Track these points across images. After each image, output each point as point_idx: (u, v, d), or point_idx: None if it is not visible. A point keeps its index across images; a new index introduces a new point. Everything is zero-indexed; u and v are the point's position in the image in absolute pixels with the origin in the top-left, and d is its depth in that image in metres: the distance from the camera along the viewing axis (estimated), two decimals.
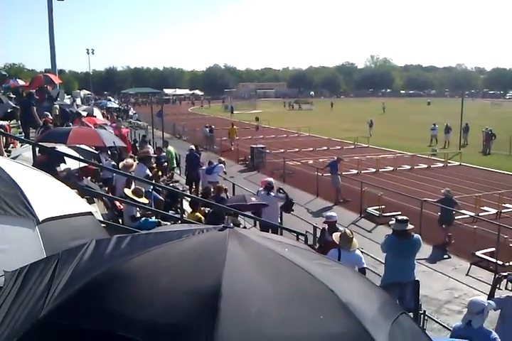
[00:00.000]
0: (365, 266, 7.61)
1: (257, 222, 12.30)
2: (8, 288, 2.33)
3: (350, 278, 2.36)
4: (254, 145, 26.58)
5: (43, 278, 2.17)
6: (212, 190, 12.58)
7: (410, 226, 7.90)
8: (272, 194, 12.00)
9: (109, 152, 13.26)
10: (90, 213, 4.47)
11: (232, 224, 2.31)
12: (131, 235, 2.38)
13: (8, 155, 9.93)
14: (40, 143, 8.30)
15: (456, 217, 13.63)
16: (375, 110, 62.86)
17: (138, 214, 8.87)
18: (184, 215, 9.36)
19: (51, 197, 4.24)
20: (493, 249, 11.70)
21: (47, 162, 7.67)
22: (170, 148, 19.52)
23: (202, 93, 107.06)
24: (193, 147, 18.94)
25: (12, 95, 20.61)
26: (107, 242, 2.23)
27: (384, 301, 2.20)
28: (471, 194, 16.95)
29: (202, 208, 10.74)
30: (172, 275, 1.94)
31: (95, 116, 21.58)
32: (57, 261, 2.24)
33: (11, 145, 12.67)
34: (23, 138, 11.59)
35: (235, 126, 34.35)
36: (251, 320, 1.78)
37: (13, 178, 3.89)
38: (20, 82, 27.90)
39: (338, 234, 7.67)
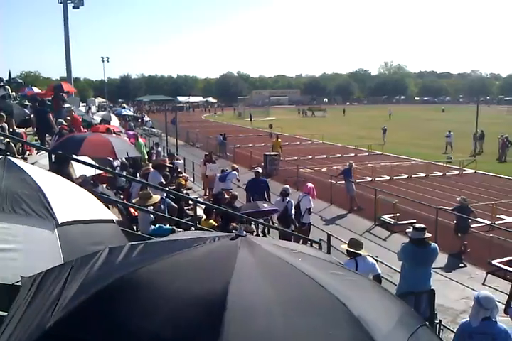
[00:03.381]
0: (379, 272, 7.54)
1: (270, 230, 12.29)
2: (24, 294, 2.34)
3: (366, 289, 2.32)
4: (268, 153, 26.60)
5: (56, 286, 2.18)
6: (225, 197, 12.59)
7: (428, 235, 7.82)
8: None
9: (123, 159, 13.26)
10: (112, 221, 4.51)
11: (244, 232, 2.27)
12: (145, 243, 2.38)
13: None
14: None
15: (472, 225, 13.46)
16: (382, 117, 62.63)
17: (153, 218, 8.85)
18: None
19: (73, 201, 4.29)
20: (510, 258, 11.55)
21: (56, 169, 7.67)
22: (140, 140, 19.44)
23: (215, 100, 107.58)
24: (259, 170, 15.28)
25: (27, 103, 20.77)
26: (120, 250, 2.23)
27: (402, 313, 2.16)
28: (487, 202, 16.77)
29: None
30: (179, 285, 1.92)
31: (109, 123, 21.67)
32: (71, 268, 2.25)
33: (27, 152, 12.78)
34: (39, 145, 11.69)
35: (279, 139, 29.75)
36: (257, 334, 1.74)
37: (35, 181, 3.97)
38: (36, 90, 28.17)
39: (346, 245, 7.56)
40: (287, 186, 13.00)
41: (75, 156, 8.60)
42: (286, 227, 11.69)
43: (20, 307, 2.24)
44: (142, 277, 1.96)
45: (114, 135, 13.49)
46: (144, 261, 2.07)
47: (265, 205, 11.25)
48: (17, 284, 2.67)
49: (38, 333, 1.89)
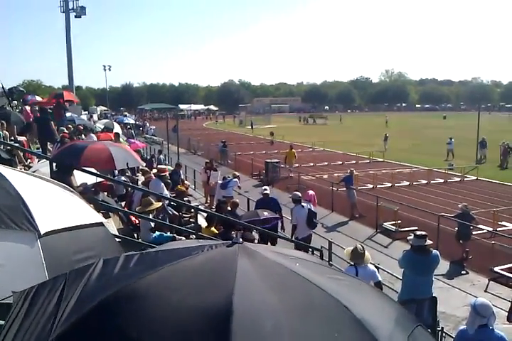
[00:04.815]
0: (380, 279, 7.52)
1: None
2: (17, 309, 2.29)
3: (364, 292, 2.33)
4: (269, 160, 26.60)
5: (51, 300, 2.14)
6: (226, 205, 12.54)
7: (429, 242, 7.80)
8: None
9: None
10: (101, 224, 4.39)
11: (241, 240, 2.27)
12: (139, 253, 2.34)
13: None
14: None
15: (473, 232, 13.42)
16: (379, 124, 62.63)
17: (152, 225, 8.82)
18: None
19: (57, 208, 4.13)
20: (511, 265, 11.49)
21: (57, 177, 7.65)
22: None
23: (217, 108, 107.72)
24: (267, 189, 13.57)
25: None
26: (115, 262, 2.20)
27: (399, 315, 2.19)
28: (488, 209, 16.72)
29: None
30: (181, 296, 1.90)
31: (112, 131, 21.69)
32: (65, 281, 2.21)
33: (29, 160, 12.81)
34: (40, 153, 11.70)
35: (293, 150, 28.03)
36: (264, 340, 1.74)
37: (17, 190, 3.81)
38: (38, 99, 28.29)
39: (350, 249, 7.56)
40: (297, 192, 12.77)
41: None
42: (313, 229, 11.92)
43: (14, 323, 2.20)
44: (143, 288, 1.94)
45: (115, 144, 13.49)
46: (142, 271, 2.05)
47: (265, 213, 11.17)
48: (2, 302, 2.63)
49: None
